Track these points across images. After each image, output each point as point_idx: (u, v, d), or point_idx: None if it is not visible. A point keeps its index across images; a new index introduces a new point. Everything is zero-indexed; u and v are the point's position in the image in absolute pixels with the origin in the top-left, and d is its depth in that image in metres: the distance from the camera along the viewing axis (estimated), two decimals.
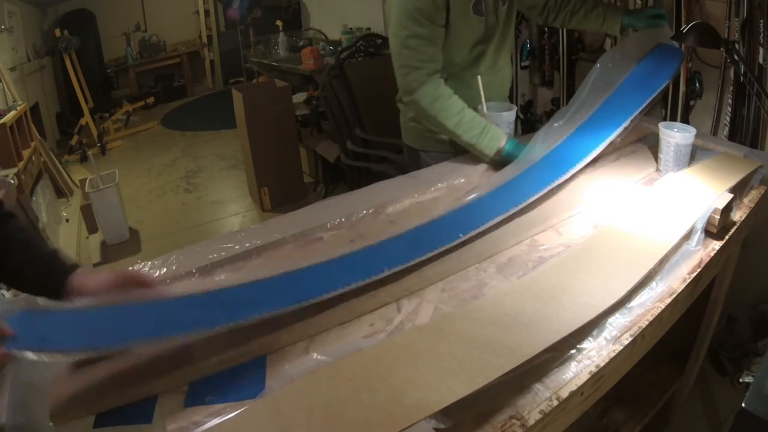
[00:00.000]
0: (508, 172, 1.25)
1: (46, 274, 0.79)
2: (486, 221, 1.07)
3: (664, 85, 1.36)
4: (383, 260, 0.95)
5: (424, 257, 0.97)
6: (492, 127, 1.34)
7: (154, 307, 0.82)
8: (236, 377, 0.78)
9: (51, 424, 0.71)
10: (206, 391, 0.76)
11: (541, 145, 1.31)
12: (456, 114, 1.34)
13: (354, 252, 0.99)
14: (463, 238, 1.03)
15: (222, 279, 0.99)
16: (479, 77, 1.38)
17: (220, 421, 0.68)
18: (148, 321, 0.79)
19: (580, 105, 1.39)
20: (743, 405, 0.78)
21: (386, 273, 0.93)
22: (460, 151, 1.55)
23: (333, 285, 0.88)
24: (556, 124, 1.36)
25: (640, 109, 1.32)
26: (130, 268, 0.99)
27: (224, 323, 0.78)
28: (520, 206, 1.12)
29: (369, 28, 3.79)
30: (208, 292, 0.87)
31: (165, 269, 1.01)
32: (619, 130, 1.29)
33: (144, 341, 0.76)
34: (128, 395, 0.75)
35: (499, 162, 1.34)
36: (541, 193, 1.15)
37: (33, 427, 0.73)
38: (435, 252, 0.99)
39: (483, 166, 1.39)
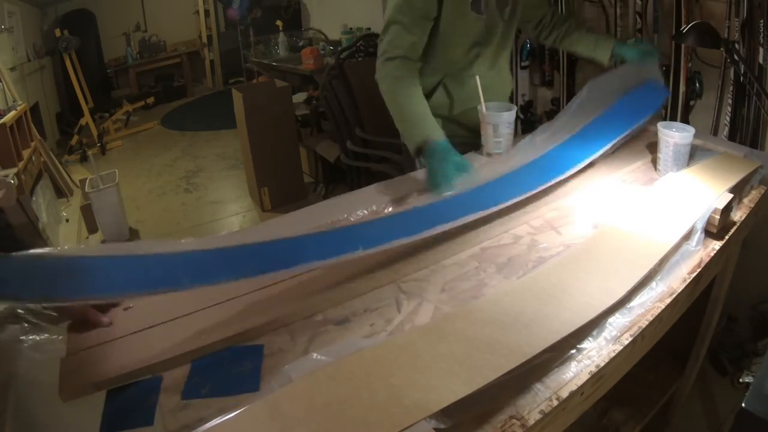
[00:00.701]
0: (490, 172, 1.23)
1: None
2: (464, 215, 1.07)
3: (642, 122, 1.36)
4: (359, 240, 0.96)
5: (400, 242, 0.98)
6: (425, 131, 1.26)
7: (145, 261, 0.81)
8: (232, 371, 0.79)
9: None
10: (202, 384, 0.77)
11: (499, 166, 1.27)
12: (400, 97, 1.31)
13: (331, 230, 1.02)
14: (439, 228, 1.03)
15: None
16: (477, 77, 1.38)
17: (220, 421, 0.68)
18: (136, 274, 0.79)
19: (559, 127, 1.37)
20: (743, 405, 0.78)
21: (361, 253, 0.93)
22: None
23: (304, 259, 0.89)
24: (538, 138, 1.35)
25: (613, 142, 1.31)
26: None
27: (189, 286, 0.80)
28: (499, 207, 1.12)
29: (369, 28, 3.79)
30: (196, 251, 0.85)
31: None
32: (591, 157, 1.28)
33: (130, 293, 0.78)
34: (135, 372, 0.78)
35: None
36: (518, 198, 1.14)
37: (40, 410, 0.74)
38: (410, 239, 0.99)
39: (483, 166, 1.39)
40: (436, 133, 1.26)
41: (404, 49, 1.33)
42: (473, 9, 1.35)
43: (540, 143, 1.33)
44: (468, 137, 1.53)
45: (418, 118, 1.30)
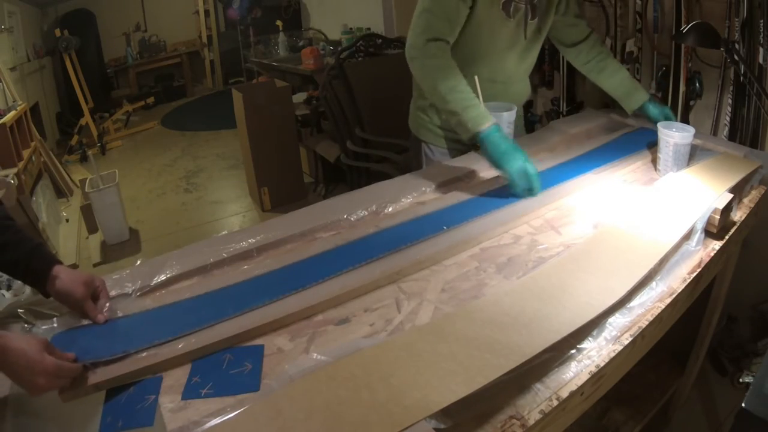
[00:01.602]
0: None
1: (30, 257, 0.85)
2: (468, 219, 1.13)
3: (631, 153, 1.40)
4: (370, 250, 1.03)
5: (410, 245, 1.05)
6: (483, 108, 1.28)
7: (172, 309, 0.91)
8: (232, 371, 0.79)
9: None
10: (202, 384, 0.77)
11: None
12: (453, 79, 1.30)
13: (345, 244, 1.06)
14: (447, 230, 1.09)
15: (224, 277, 0.99)
16: (476, 77, 1.38)
17: (220, 420, 0.68)
18: (167, 322, 0.87)
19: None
20: (743, 405, 0.78)
21: (374, 260, 1.00)
22: (459, 150, 1.55)
23: (326, 272, 0.97)
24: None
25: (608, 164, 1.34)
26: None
27: (232, 314, 0.88)
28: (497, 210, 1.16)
29: (369, 28, 3.80)
30: (214, 290, 0.95)
31: (165, 269, 1.01)
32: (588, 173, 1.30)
33: (166, 339, 0.83)
34: (135, 372, 0.78)
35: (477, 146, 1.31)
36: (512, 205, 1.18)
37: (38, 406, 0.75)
38: (421, 241, 1.06)
39: (483, 167, 1.39)
40: (490, 121, 1.26)
41: (447, 30, 1.32)
42: (503, 9, 1.34)
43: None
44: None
45: (475, 104, 1.28)
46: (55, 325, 0.88)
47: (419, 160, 1.63)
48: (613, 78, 1.51)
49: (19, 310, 0.91)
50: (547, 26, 1.46)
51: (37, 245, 0.87)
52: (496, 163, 1.23)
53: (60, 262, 0.88)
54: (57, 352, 0.75)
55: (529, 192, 1.20)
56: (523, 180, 1.19)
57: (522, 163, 1.19)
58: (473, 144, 1.52)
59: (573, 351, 0.79)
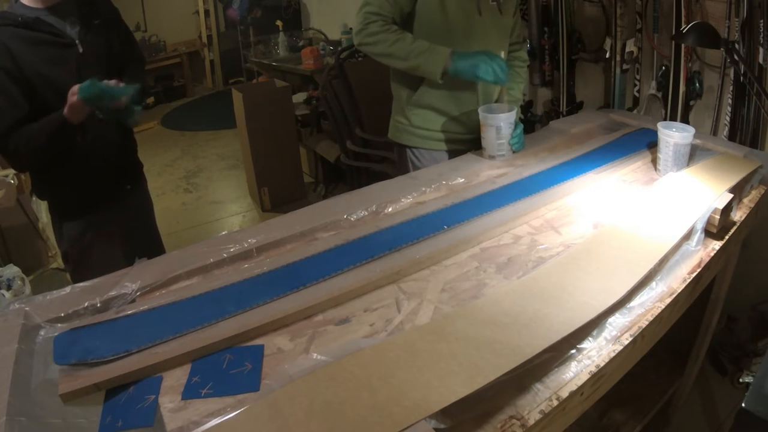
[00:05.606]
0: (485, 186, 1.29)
1: None
2: (468, 219, 1.13)
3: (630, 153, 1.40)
4: (372, 249, 1.04)
5: (410, 245, 1.05)
6: (436, 47, 1.34)
7: (173, 308, 0.91)
8: (232, 371, 0.79)
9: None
10: (202, 384, 0.77)
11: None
12: (400, 39, 1.36)
13: (345, 243, 1.07)
14: (447, 230, 1.09)
15: (224, 277, 0.99)
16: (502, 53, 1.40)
17: (220, 420, 0.68)
18: (167, 321, 0.88)
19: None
20: (743, 405, 0.78)
21: (374, 260, 1.01)
22: (450, 150, 1.55)
23: (327, 271, 0.98)
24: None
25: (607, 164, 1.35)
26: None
27: (232, 314, 0.88)
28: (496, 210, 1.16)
29: None
30: (216, 289, 0.96)
31: (165, 268, 1.01)
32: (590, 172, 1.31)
33: (166, 339, 0.84)
34: (135, 372, 0.78)
35: (454, 81, 1.38)
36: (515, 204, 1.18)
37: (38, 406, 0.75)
38: (421, 240, 1.07)
39: (483, 167, 1.39)
40: (445, 50, 1.34)
41: (391, 15, 1.38)
42: None
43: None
44: (462, 133, 1.54)
45: (426, 46, 1.35)
46: (58, 324, 0.88)
47: (407, 171, 1.59)
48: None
49: (25, 308, 0.91)
50: (510, 11, 1.47)
51: None
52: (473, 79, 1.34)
53: None
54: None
55: (500, 74, 1.30)
56: (491, 72, 1.29)
57: (485, 66, 1.29)
58: (464, 140, 1.53)
59: (573, 351, 0.79)
